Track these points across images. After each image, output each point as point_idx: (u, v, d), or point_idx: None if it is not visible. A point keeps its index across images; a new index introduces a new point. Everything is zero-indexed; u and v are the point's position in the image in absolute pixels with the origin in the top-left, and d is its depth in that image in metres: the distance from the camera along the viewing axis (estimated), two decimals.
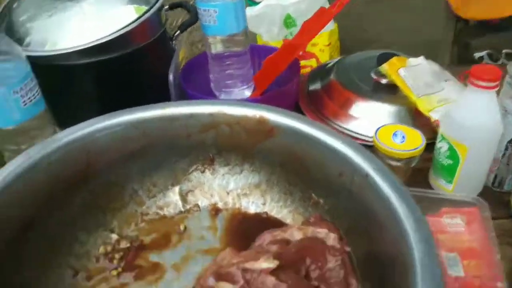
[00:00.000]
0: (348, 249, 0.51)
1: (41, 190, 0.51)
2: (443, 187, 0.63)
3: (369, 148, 0.55)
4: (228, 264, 0.48)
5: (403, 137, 0.59)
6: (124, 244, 0.58)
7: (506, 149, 0.62)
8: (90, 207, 0.57)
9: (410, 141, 0.58)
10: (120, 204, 0.60)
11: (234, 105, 0.58)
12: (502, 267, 0.51)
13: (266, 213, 0.61)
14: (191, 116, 0.58)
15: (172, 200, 0.62)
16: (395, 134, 0.59)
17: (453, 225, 0.60)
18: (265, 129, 0.58)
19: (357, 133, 0.74)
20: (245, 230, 0.60)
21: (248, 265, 0.46)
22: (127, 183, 0.60)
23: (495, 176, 0.65)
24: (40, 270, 0.50)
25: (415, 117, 0.72)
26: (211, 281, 0.47)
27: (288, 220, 0.60)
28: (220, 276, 0.47)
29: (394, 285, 0.41)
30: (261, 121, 0.57)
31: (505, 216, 0.62)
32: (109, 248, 0.57)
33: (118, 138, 0.56)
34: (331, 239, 0.52)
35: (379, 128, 0.60)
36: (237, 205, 0.62)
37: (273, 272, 0.46)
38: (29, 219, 0.50)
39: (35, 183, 0.50)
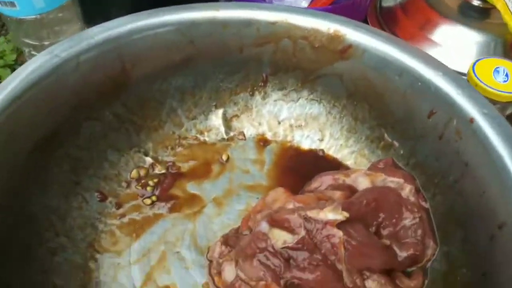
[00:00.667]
0: (426, 205, 0.43)
1: (67, 97, 0.42)
2: None
3: None
4: (286, 210, 0.40)
5: (507, 75, 0.47)
6: (159, 170, 0.51)
7: None
8: (122, 122, 0.49)
9: None
10: (156, 123, 0.51)
11: (303, 14, 0.47)
12: None
13: (322, 150, 0.52)
14: (249, 23, 0.47)
15: (214, 124, 0.54)
16: (496, 71, 0.48)
17: None
18: (338, 48, 0.47)
19: None
20: (296, 167, 0.52)
21: (311, 213, 0.39)
22: (165, 99, 0.51)
23: None
24: (63, 194, 0.44)
25: (510, 52, 0.59)
26: (264, 226, 0.40)
27: (349, 162, 0.51)
28: (276, 222, 0.39)
29: (496, 264, 0.33)
30: (335, 37, 0.46)
31: None
32: (142, 173, 0.50)
33: (159, 43, 0.46)
34: (407, 190, 0.43)
35: (478, 60, 0.49)
36: (289, 138, 0.53)
37: (340, 225, 0.38)
38: (54, 130, 0.42)
39: (61, 87, 0.41)
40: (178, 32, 0.45)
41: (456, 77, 0.41)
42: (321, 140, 0.53)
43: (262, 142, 0.53)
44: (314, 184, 0.47)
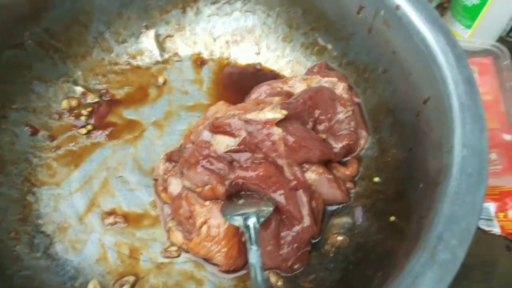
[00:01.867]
0: (358, 100, 0.45)
1: None
2: (458, 34, 0.55)
3: None
4: (226, 115, 0.40)
5: None
6: (92, 98, 0.49)
7: None
8: (46, 50, 0.45)
9: None
10: (83, 49, 0.48)
11: None
12: None
13: (260, 64, 0.52)
14: None
15: (146, 47, 0.51)
16: None
17: None
18: None
19: None
20: (236, 83, 0.51)
21: (251, 115, 0.39)
22: (90, 21, 0.47)
23: None
24: None
25: None
26: (206, 135, 0.40)
27: (286, 72, 0.51)
28: (217, 128, 0.39)
29: (420, 136, 0.36)
30: None
31: None
32: (74, 103, 0.47)
33: None
34: (340, 88, 0.44)
35: None
36: (226, 55, 0.52)
37: (279, 123, 0.38)
38: None
39: None
40: None
41: None
42: (258, 53, 0.52)
43: (199, 61, 0.52)
44: (254, 95, 0.47)
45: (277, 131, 0.38)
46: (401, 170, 0.37)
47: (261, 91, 0.47)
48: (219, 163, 0.38)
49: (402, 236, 0.31)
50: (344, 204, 0.41)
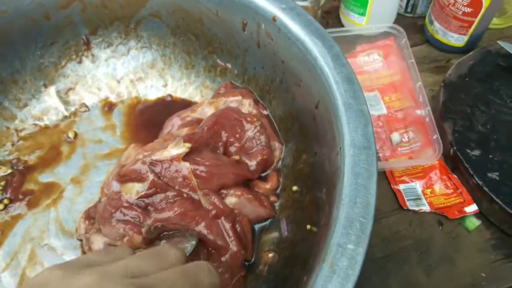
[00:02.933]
0: (266, 112, 0.45)
1: None
2: (356, 22, 0.56)
3: None
4: (130, 162, 0.40)
5: None
6: (4, 171, 0.47)
7: None
8: None
9: None
10: None
11: None
12: (424, 94, 0.49)
13: (170, 95, 0.52)
14: None
15: (50, 105, 0.50)
16: None
17: (371, 62, 0.56)
18: None
19: None
20: (149, 120, 0.51)
21: (156, 156, 0.38)
22: None
23: (408, 1, 0.59)
24: None
25: None
26: (115, 186, 0.39)
27: (197, 98, 0.51)
28: (124, 177, 0.38)
29: (319, 139, 0.36)
30: None
31: (421, 42, 0.59)
32: None
33: None
34: (247, 105, 0.45)
35: None
36: (134, 94, 0.52)
37: (186, 157, 0.38)
38: None
39: None
40: None
41: None
42: (165, 85, 0.51)
43: (107, 107, 0.51)
44: (166, 129, 0.47)
45: (185, 166, 0.38)
46: (311, 176, 0.37)
47: (172, 124, 0.47)
48: (133, 212, 0.38)
49: (316, 246, 0.31)
50: (271, 219, 0.41)
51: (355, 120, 0.32)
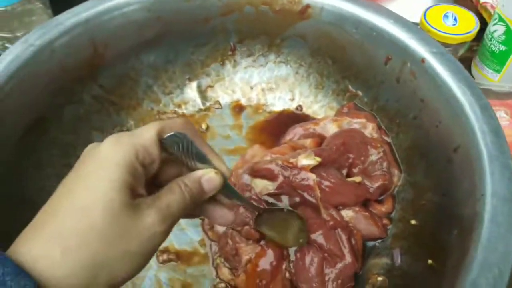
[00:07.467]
0: (388, 139, 0.47)
1: (46, 83, 0.44)
2: (489, 77, 0.57)
3: None
4: (264, 161, 0.44)
5: (455, 19, 0.51)
6: None
7: None
8: (102, 103, 0.51)
9: (463, 24, 0.51)
10: (135, 101, 0.54)
11: None
12: None
13: (300, 106, 0.56)
14: None
15: (190, 96, 0.56)
16: (445, 16, 0.51)
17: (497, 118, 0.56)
18: (297, 10, 0.49)
19: None
20: (272, 128, 0.55)
21: (287, 161, 0.42)
22: (140, 77, 0.53)
23: None
24: (57, 175, 0.46)
25: None
26: (246, 178, 0.44)
27: (320, 116, 0.54)
28: (256, 172, 0.43)
29: (453, 183, 0.38)
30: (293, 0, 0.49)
31: None
32: None
33: (128, 22, 0.48)
34: (370, 128, 0.47)
35: (428, 8, 0.52)
36: (262, 101, 0.57)
37: (313, 169, 0.42)
38: (39, 117, 0.44)
39: (39, 75, 0.43)
40: (144, 9, 0.48)
41: (406, 23, 0.44)
42: (292, 99, 0.56)
43: (238, 108, 0.56)
44: (288, 136, 0.51)
45: (312, 176, 0.41)
46: (436, 214, 0.39)
47: (295, 132, 0.51)
48: (260, 205, 0.42)
49: (438, 281, 0.33)
50: (382, 241, 0.43)
51: (499, 172, 0.33)
